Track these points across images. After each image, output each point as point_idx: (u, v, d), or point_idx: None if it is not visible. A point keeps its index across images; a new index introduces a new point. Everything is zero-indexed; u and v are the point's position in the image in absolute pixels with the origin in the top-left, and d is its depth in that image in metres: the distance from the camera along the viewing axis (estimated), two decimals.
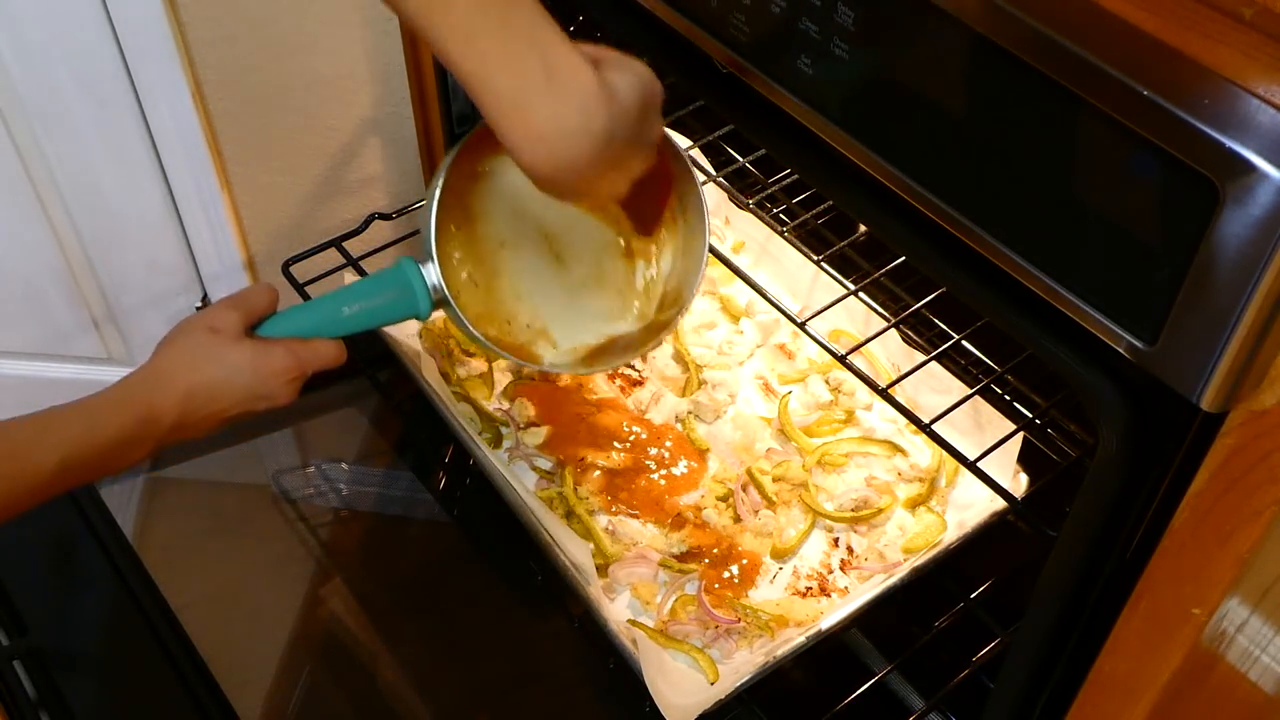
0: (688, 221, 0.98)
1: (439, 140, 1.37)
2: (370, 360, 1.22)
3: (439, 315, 1.22)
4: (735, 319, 1.29)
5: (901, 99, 0.75)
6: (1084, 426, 1.05)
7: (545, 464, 1.16)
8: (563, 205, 0.96)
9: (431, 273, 0.88)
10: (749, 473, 1.14)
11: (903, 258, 1.02)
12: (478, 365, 1.22)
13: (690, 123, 1.25)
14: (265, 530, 1.21)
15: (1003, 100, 0.68)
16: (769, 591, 1.07)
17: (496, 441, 1.17)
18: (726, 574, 1.07)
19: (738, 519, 1.11)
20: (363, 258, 1.22)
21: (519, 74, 0.70)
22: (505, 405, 1.20)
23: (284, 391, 0.86)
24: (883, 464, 1.16)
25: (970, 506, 1.10)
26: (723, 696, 0.96)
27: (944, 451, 0.97)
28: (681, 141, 1.22)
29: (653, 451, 1.16)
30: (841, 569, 1.08)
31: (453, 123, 1.34)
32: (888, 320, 1.10)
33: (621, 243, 1.00)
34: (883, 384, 0.96)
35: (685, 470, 1.15)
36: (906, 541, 1.09)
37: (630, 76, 0.78)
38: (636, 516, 1.11)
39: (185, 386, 0.82)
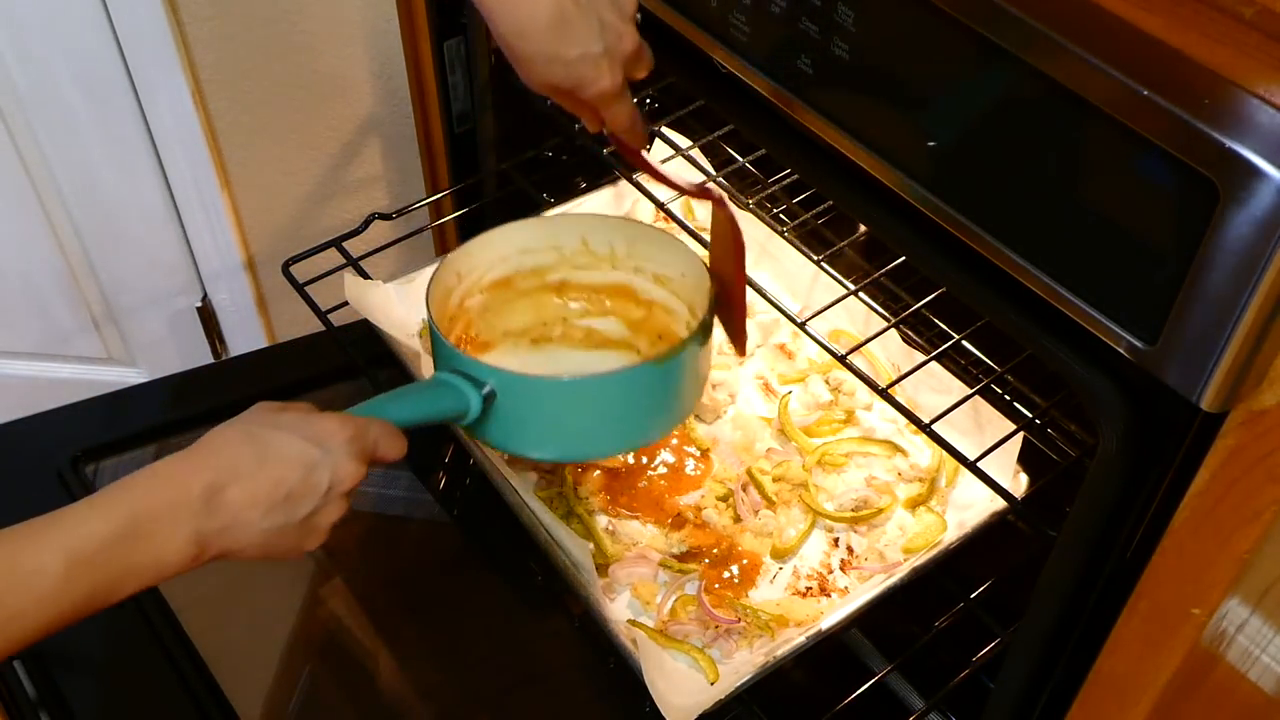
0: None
1: (439, 140, 1.37)
2: (370, 360, 1.22)
3: None
4: None
5: (901, 99, 0.75)
6: (1084, 426, 1.05)
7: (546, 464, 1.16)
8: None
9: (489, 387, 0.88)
10: (749, 473, 1.14)
11: (903, 258, 1.02)
12: None
13: (690, 123, 1.25)
14: None
15: (1003, 100, 0.68)
16: (769, 591, 1.07)
17: None
18: (726, 574, 1.07)
19: (738, 519, 1.11)
20: (363, 258, 1.22)
21: None
22: None
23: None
24: (883, 464, 1.16)
25: (970, 506, 1.10)
26: (723, 696, 0.96)
27: (944, 451, 0.97)
28: (682, 141, 1.22)
29: (657, 453, 1.16)
30: (841, 569, 1.08)
31: (453, 122, 1.35)
32: (888, 320, 1.10)
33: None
34: (883, 384, 0.96)
35: (690, 470, 1.15)
36: (906, 541, 1.09)
37: None
38: (636, 517, 1.11)
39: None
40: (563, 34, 0.79)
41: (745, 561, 1.08)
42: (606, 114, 0.88)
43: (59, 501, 1.12)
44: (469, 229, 1.39)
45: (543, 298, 1.05)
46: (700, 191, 0.95)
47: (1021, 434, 1.03)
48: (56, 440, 1.19)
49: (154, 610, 1.07)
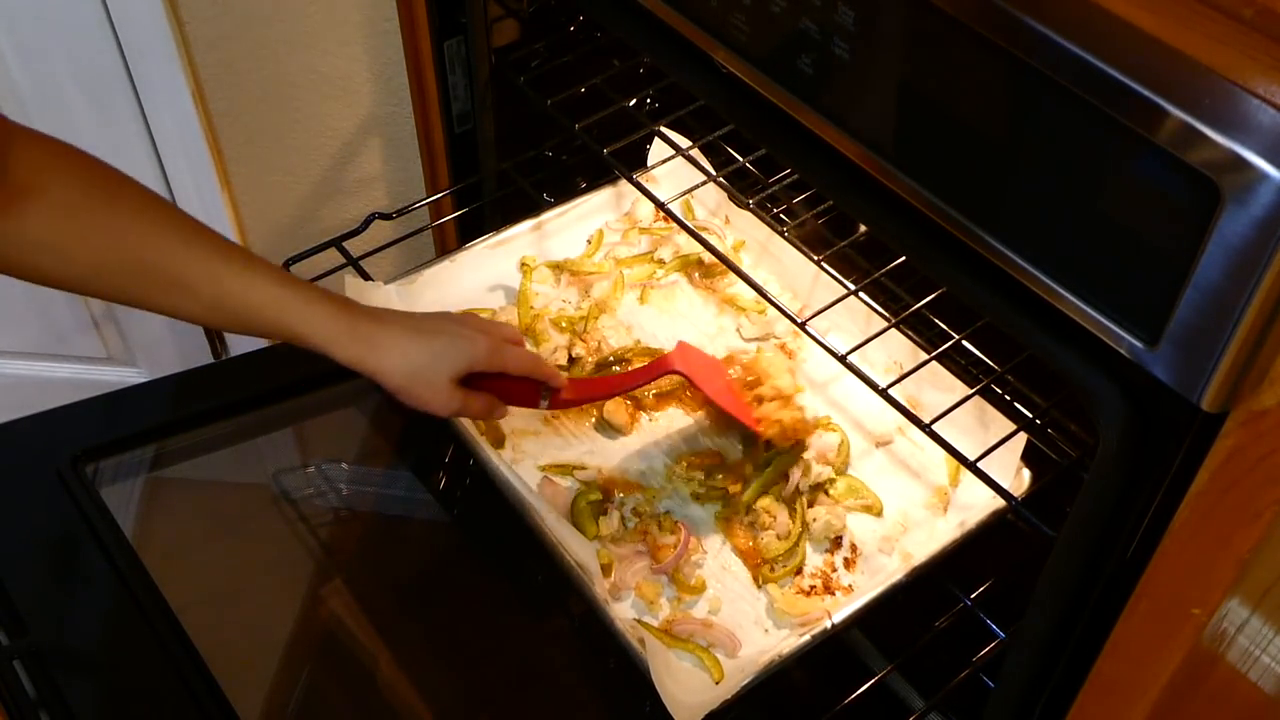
0: None
1: (439, 140, 1.37)
2: None
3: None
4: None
5: (901, 99, 0.75)
6: (1084, 426, 1.05)
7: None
8: None
9: None
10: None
11: (903, 258, 1.02)
12: None
13: (690, 123, 1.25)
14: (265, 530, 1.21)
15: (1002, 100, 0.68)
16: (773, 591, 1.07)
17: (499, 442, 1.17)
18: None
19: None
20: (363, 258, 1.22)
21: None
22: None
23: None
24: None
25: (972, 506, 1.10)
26: (729, 695, 0.96)
27: (945, 451, 0.96)
28: (682, 141, 1.22)
29: None
30: (845, 567, 1.08)
31: (453, 122, 1.35)
32: (888, 320, 1.10)
33: None
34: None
35: None
36: (908, 538, 1.09)
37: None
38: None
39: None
40: (430, 331, 0.98)
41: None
42: (512, 369, 1.01)
43: (59, 501, 1.13)
44: (469, 229, 1.39)
45: None
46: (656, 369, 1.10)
47: (1024, 434, 1.03)
48: (56, 440, 1.19)
49: (154, 610, 1.07)
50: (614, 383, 1.12)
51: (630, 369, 1.16)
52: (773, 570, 1.07)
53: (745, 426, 1.11)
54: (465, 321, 1.03)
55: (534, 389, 1.03)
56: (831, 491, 1.12)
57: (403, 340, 0.96)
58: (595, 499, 1.11)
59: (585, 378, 1.16)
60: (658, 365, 1.10)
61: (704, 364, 1.13)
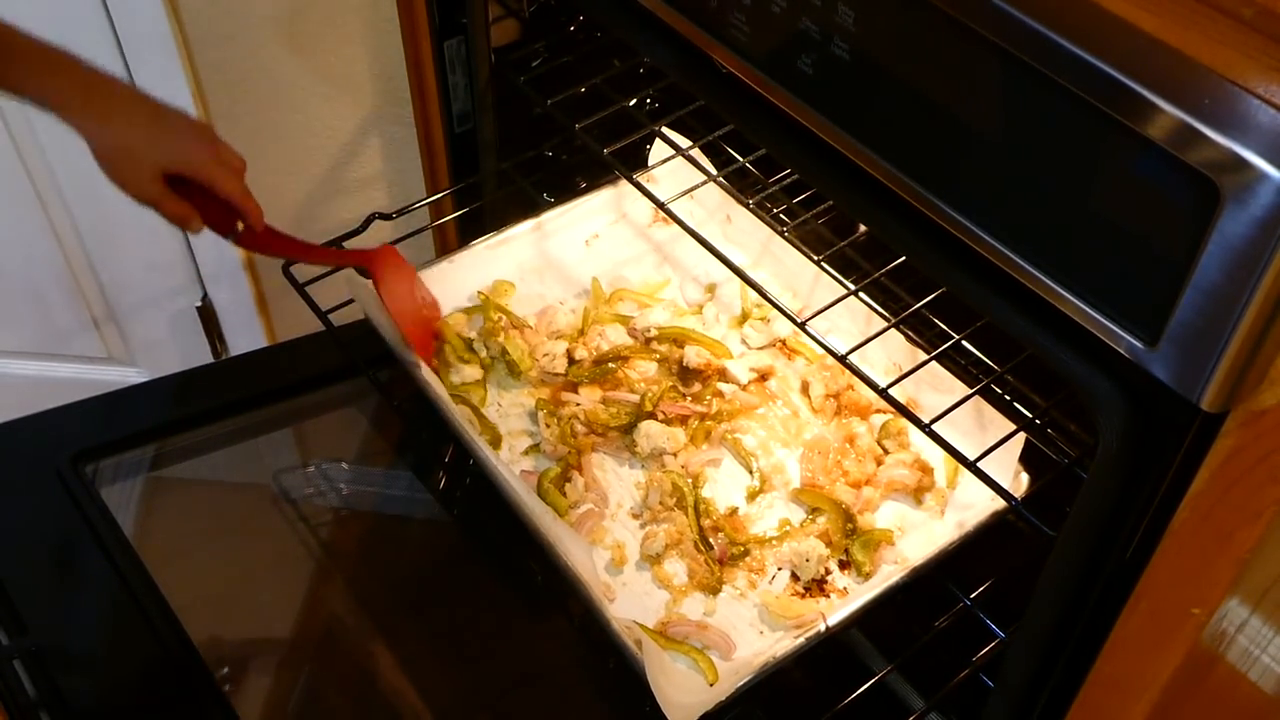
0: None
1: (439, 140, 1.37)
2: (370, 360, 1.22)
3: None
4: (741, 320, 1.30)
5: (901, 99, 0.75)
6: (1084, 426, 1.05)
7: (548, 463, 1.16)
8: None
9: None
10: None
11: (903, 258, 1.02)
12: (471, 373, 1.22)
13: (690, 123, 1.25)
14: (265, 530, 1.21)
15: (1002, 100, 0.68)
16: (766, 596, 1.07)
17: (496, 442, 1.17)
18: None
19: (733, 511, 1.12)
20: None
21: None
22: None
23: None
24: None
25: (970, 506, 1.10)
26: (724, 697, 0.96)
27: (945, 451, 0.96)
28: (682, 141, 1.22)
29: None
30: (840, 569, 1.08)
31: (453, 122, 1.35)
32: (888, 320, 1.10)
33: None
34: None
35: None
36: (905, 540, 1.09)
37: None
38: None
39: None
40: (164, 121, 1.03)
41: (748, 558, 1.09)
42: (219, 186, 1.04)
43: (59, 501, 1.13)
44: (469, 229, 1.39)
45: None
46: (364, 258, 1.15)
47: (1023, 434, 1.03)
48: (56, 440, 1.19)
49: (154, 610, 1.07)
50: (308, 249, 1.17)
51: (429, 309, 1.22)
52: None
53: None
54: (200, 131, 1.07)
55: (232, 217, 1.08)
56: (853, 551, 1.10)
57: (130, 107, 1.01)
58: (556, 473, 1.12)
59: (285, 235, 1.16)
60: (356, 255, 1.17)
61: (400, 276, 1.18)
